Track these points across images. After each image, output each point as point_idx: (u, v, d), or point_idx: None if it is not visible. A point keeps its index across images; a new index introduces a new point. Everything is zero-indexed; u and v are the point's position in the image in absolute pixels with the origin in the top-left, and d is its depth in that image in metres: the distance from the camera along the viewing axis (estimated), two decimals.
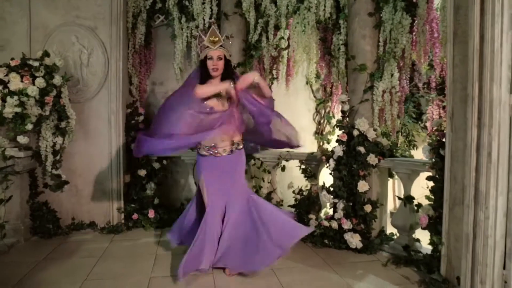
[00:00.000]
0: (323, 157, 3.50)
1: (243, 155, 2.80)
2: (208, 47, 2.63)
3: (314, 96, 4.94)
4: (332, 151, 3.40)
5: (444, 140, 2.48)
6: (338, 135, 3.42)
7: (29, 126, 3.14)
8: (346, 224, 3.16)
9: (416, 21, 3.27)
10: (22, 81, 3.14)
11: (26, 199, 3.53)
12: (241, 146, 2.77)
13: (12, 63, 3.16)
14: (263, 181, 4.16)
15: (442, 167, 2.45)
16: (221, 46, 2.65)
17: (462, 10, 2.24)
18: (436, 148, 2.57)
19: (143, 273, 2.72)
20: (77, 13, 3.73)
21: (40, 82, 3.18)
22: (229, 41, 2.83)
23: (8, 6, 3.59)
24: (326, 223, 3.29)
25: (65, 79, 3.43)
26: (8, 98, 3.02)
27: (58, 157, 3.59)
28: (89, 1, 3.75)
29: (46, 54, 3.39)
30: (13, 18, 3.62)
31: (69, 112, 3.53)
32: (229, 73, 2.71)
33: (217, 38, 2.64)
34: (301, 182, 4.06)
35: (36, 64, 3.25)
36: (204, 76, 2.68)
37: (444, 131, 2.48)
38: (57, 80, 3.33)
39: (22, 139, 3.16)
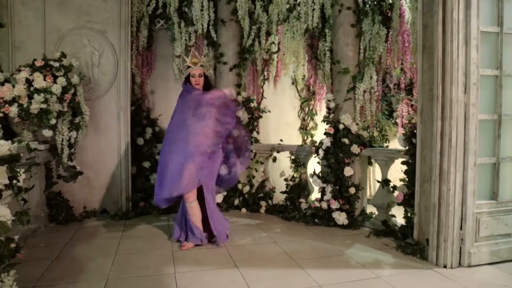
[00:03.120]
0: (313, 148, 4.03)
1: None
2: (190, 67, 3.27)
3: (299, 95, 5.49)
4: (321, 143, 3.95)
5: (415, 131, 3.07)
6: (326, 129, 3.96)
7: (53, 121, 3.47)
8: (334, 204, 3.72)
9: (390, 32, 3.87)
10: (45, 80, 3.45)
11: (43, 189, 3.83)
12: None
13: (37, 64, 3.46)
14: (256, 170, 4.66)
15: (414, 153, 3.04)
16: (201, 65, 3.28)
17: (429, 28, 2.83)
18: (409, 137, 3.16)
19: (165, 248, 3.15)
20: (88, 18, 4.06)
21: (62, 81, 3.50)
22: (207, 58, 3.50)
23: (24, 10, 3.87)
24: (317, 204, 3.83)
25: (80, 77, 3.76)
26: (35, 96, 3.33)
27: (72, 150, 3.91)
28: (99, 7, 4.09)
29: (63, 55, 3.70)
30: (28, 21, 3.90)
31: (84, 109, 3.86)
32: (208, 87, 3.37)
33: (197, 60, 3.28)
34: (289, 172, 4.58)
35: (56, 64, 3.56)
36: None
37: (415, 124, 3.07)
38: (75, 79, 3.65)
39: (47, 133, 3.48)
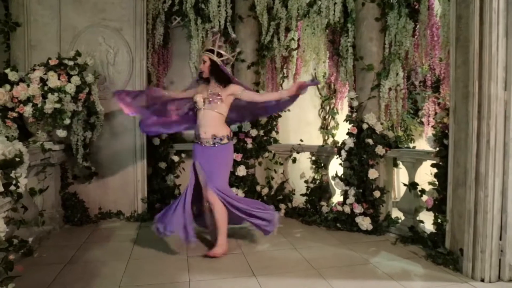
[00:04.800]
0: (335, 149, 3.84)
1: (226, 150, 3.06)
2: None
3: (320, 93, 5.29)
4: (343, 143, 3.75)
5: (447, 131, 2.84)
6: (348, 129, 3.76)
7: (67, 121, 3.40)
8: (358, 209, 3.51)
9: (418, 26, 3.63)
10: (59, 79, 3.39)
11: (58, 189, 3.78)
12: (224, 141, 3.02)
13: (51, 63, 3.40)
14: (276, 172, 4.49)
15: (446, 155, 2.81)
16: (207, 51, 3.05)
17: (464, 19, 2.59)
18: (440, 138, 2.93)
19: (180, 253, 3.01)
20: (104, 15, 3.98)
21: (76, 80, 3.43)
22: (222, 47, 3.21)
23: (40, 9, 3.82)
24: (339, 208, 3.64)
25: (95, 76, 3.68)
26: (49, 95, 3.26)
27: (87, 150, 3.85)
28: (114, 4, 4.01)
29: (78, 54, 3.63)
30: (44, 20, 3.85)
31: (98, 108, 3.78)
32: (218, 75, 3.06)
33: (208, 45, 3.10)
34: (310, 173, 4.39)
35: (71, 63, 3.49)
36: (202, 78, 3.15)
37: (447, 124, 2.84)
38: (89, 78, 3.58)
39: (61, 133, 3.42)
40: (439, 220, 2.97)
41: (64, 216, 3.81)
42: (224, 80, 3.07)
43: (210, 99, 3.00)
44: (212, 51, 3.02)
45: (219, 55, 3.04)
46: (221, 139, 3.00)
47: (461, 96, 2.65)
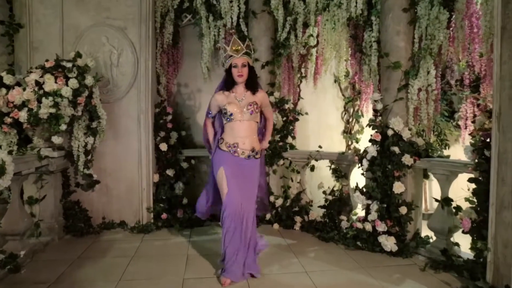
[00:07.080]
0: (356, 157, 3.41)
1: (259, 165, 2.82)
2: (232, 56, 2.70)
3: (343, 95, 4.86)
4: (365, 151, 3.31)
5: (489, 140, 2.36)
6: (371, 135, 3.33)
7: (63, 127, 3.19)
8: (381, 226, 3.08)
9: (454, 16, 3.14)
10: (56, 82, 3.19)
11: (59, 198, 3.60)
12: (258, 156, 2.78)
13: (47, 65, 3.21)
14: (292, 181, 4.11)
15: (487, 169, 2.34)
16: (244, 54, 2.72)
17: None
18: (480, 149, 2.45)
19: (176, 274, 2.71)
20: (108, 14, 3.77)
21: (73, 83, 3.22)
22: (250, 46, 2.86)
23: (43, 8, 3.66)
24: (359, 225, 3.22)
25: (96, 79, 3.46)
26: (44, 99, 3.07)
27: (89, 157, 3.63)
28: (119, 2, 3.78)
29: (78, 55, 3.43)
30: (47, 20, 3.68)
31: (100, 112, 3.56)
32: (253, 79, 2.79)
33: (239, 47, 2.71)
34: (330, 182, 3.99)
35: (69, 65, 3.29)
36: (229, 83, 2.76)
37: (489, 132, 2.37)
38: (89, 80, 3.36)
39: (56, 139, 3.22)
40: (478, 245, 2.49)
41: (65, 226, 3.62)
42: (256, 86, 2.80)
43: (250, 109, 2.70)
44: (249, 53, 2.74)
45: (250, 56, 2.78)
46: (257, 153, 2.77)
47: (507, 98, 2.19)
